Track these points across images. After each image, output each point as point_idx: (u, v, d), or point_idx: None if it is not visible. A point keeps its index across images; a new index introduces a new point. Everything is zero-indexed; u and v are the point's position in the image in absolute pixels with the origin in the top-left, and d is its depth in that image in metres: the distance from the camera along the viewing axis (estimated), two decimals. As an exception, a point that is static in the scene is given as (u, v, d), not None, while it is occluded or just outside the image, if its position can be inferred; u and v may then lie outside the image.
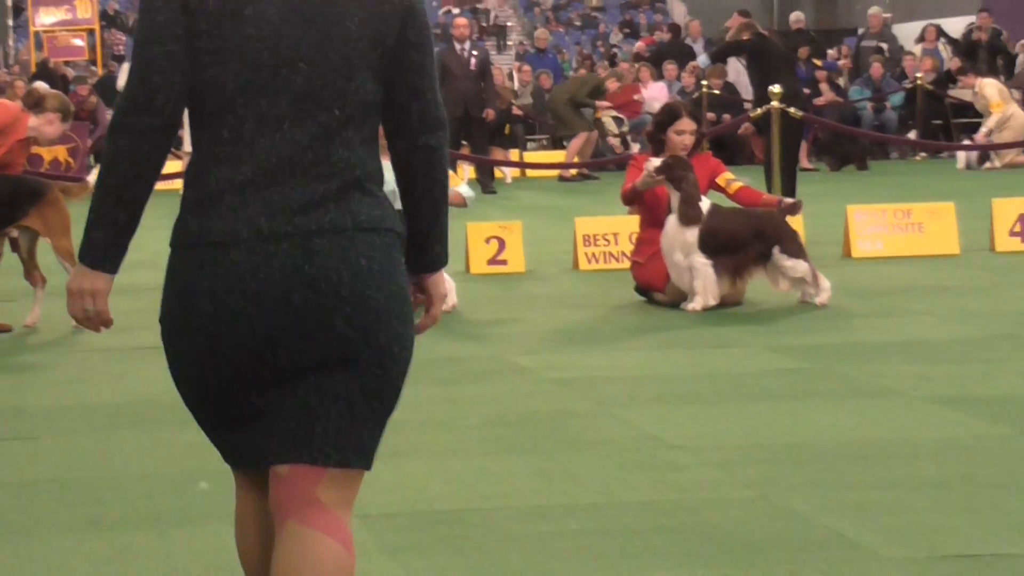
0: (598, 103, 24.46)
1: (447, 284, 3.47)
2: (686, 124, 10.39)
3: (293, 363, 3.24)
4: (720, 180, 10.44)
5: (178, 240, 3.28)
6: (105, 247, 3.28)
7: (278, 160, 3.25)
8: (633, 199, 10.35)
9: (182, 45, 3.24)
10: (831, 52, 28.67)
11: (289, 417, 3.26)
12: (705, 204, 10.00)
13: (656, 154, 10.43)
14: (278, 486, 3.29)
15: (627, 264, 11.70)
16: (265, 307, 3.21)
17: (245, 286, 3.21)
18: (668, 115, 10.56)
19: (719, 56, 17.04)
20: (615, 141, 24.79)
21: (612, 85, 24.83)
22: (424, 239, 3.45)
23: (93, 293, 3.31)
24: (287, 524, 3.28)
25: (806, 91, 21.57)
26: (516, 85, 27.71)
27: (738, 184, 10.45)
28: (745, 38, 15.06)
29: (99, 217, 3.27)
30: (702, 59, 17.08)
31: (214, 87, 3.25)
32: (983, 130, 23.59)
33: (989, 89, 23.75)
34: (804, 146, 23.53)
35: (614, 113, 25.37)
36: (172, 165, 23.53)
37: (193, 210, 3.27)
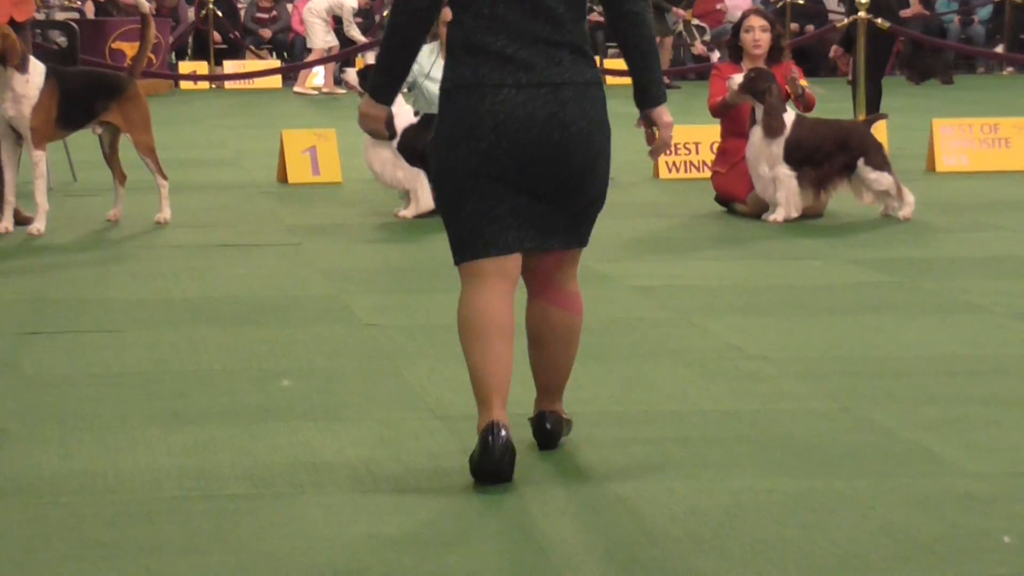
0: (676, 10, 24.16)
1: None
2: (753, 20, 10.28)
3: (543, 182, 4.59)
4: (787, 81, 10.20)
5: (456, 82, 4.58)
6: (384, 88, 4.71)
7: (523, 32, 4.54)
8: (724, 111, 10.25)
9: None
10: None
11: (537, 217, 4.63)
12: (790, 115, 9.89)
13: (734, 60, 10.31)
14: (530, 270, 4.75)
15: (708, 174, 11.61)
16: (532, 133, 4.54)
17: (518, 113, 4.53)
18: (740, 18, 10.49)
19: None
20: (703, 48, 24.49)
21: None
22: (641, 82, 4.75)
23: (375, 118, 4.76)
24: (537, 300, 4.81)
25: None
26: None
27: (804, 81, 10.23)
28: None
29: (382, 68, 4.70)
30: None
31: None
32: None
33: None
34: None
35: (696, 22, 25.13)
36: (253, 64, 23.55)
37: (465, 62, 4.57)
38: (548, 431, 4.92)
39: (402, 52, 4.65)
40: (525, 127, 4.53)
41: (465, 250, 4.65)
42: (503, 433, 4.52)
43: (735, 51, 10.36)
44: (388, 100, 4.73)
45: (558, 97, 4.55)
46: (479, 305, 4.62)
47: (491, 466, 4.54)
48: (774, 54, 10.27)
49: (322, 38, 22.44)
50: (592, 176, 4.64)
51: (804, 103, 10.08)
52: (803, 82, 10.25)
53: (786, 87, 10.05)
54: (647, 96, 4.77)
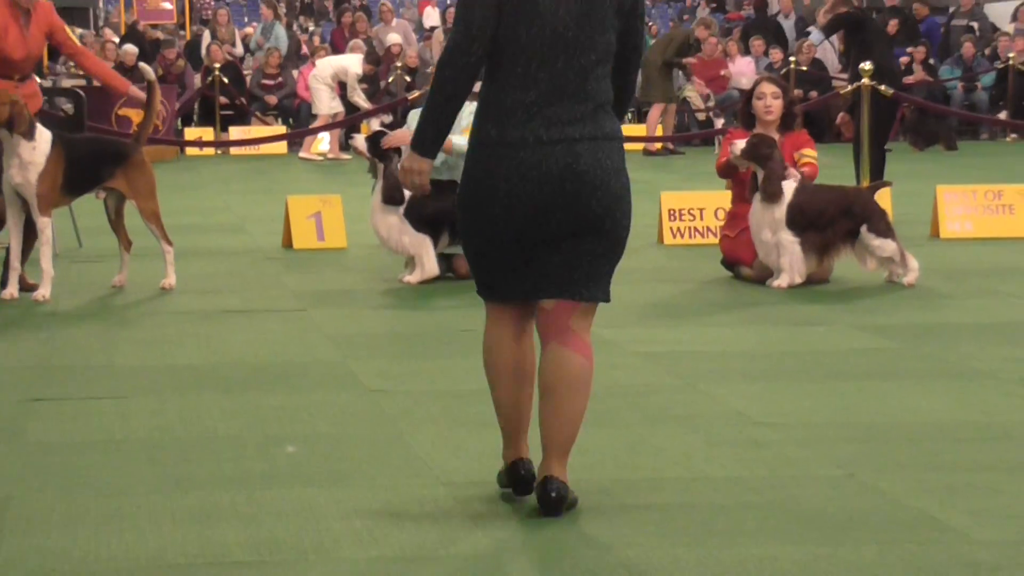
0: (686, 60, 24.22)
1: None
2: (765, 87, 10.34)
3: (560, 230, 4.84)
4: (796, 155, 10.29)
5: (480, 141, 4.87)
6: (431, 142, 4.92)
7: (552, 89, 4.83)
8: (729, 172, 10.29)
9: (492, 10, 4.81)
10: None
11: (556, 267, 4.87)
12: (792, 182, 9.91)
13: (747, 127, 10.36)
14: (545, 316, 4.94)
15: (712, 239, 11.65)
16: (545, 190, 4.81)
17: (531, 175, 4.81)
18: (752, 86, 10.55)
19: (830, 30, 16.78)
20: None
21: (702, 33, 24.33)
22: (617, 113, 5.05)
23: (420, 172, 4.98)
24: (550, 345, 4.92)
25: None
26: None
27: (806, 159, 10.30)
28: (846, 10, 14.84)
29: (429, 122, 4.91)
30: (815, 36, 16.70)
31: (513, 38, 4.83)
32: None
33: None
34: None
35: (704, 89, 25.23)
36: (258, 131, 23.60)
37: (492, 121, 4.85)
38: (553, 499, 4.93)
39: (448, 106, 4.88)
40: (538, 185, 4.81)
41: (485, 292, 5.04)
42: (529, 468, 5.07)
43: (747, 118, 10.39)
44: (433, 154, 4.97)
45: (572, 151, 4.82)
46: (501, 348, 5.01)
47: (522, 490, 5.10)
48: (787, 121, 10.32)
49: (327, 104, 22.51)
50: (610, 221, 4.88)
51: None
52: (809, 152, 10.29)
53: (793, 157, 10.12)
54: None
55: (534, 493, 5.00)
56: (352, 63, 22.95)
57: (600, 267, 4.93)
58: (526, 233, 4.86)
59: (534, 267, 4.90)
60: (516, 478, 5.09)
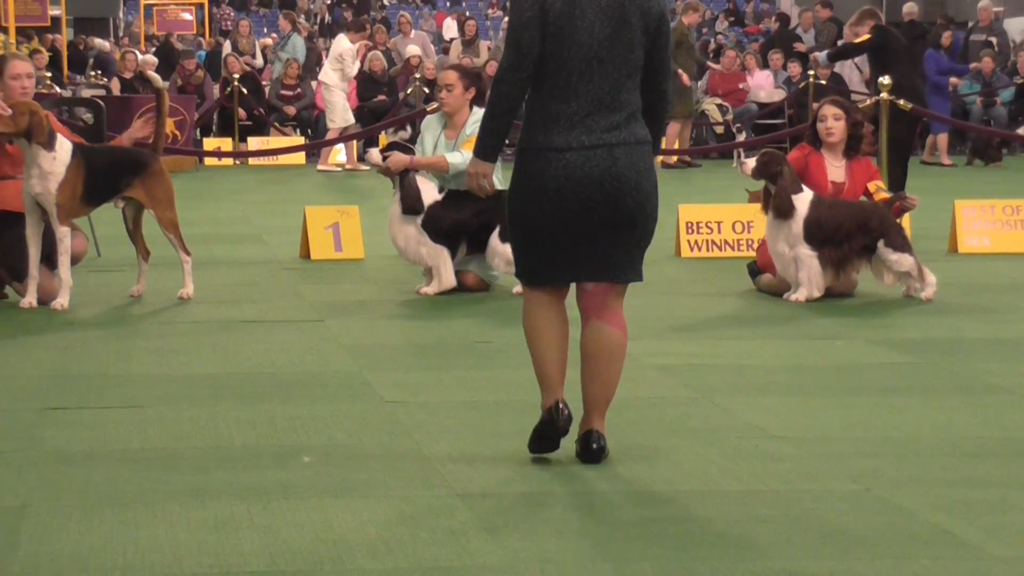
0: (711, 64, 24.33)
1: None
2: (826, 109, 10.35)
3: (599, 223, 5.57)
4: (870, 186, 10.31)
5: (530, 145, 5.61)
6: (491, 149, 5.71)
7: (591, 100, 5.57)
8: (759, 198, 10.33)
9: (539, 32, 5.55)
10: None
11: (597, 255, 5.62)
12: (807, 195, 9.90)
13: (815, 148, 10.32)
14: (587, 296, 5.70)
15: (729, 252, 11.66)
16: (588, 189, 5.55)
17: (576, 175, 5.55)
18: (817, 108, 10.53)
19: (838, 57, 16.78)
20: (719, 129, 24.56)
21: (692, 18, 24.07)
22: (654, 139, 5.74)
23: (484, 174, 5.75)
24: (592, 320, 5.69)
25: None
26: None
27: (883, 195, 10.32)
28: (865, 40, 14.81)
29: (489, 132, 5.69)
30: (821, 57, 16.76)
31: (556, 56, 5.58)
32: None
33: None
34: (945, 140, 23.34)
35: (718, 101, 25.21)
36: (277, 141, 23.58)
37: (540, 128, 5.59)
38: (594, 450, 5.71)
39: (505, 117, 5.65)
40: (582, 185, 5.55)
41: (531, 279, 5.72)
42: (565, 410, 5.64)
43: (814, 140, 10.36)
44: (494, 159, 5.74)
45: (612, 155, 5.56)
46: (539, 313, 5.69)
47: (554, 433, 5.64)
48: (853, 143, 10.29)
49: (341, 116, 22.46)
50: (642, 216, 5.63)
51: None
52: (882, 185, 10.32)
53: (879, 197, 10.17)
54: (655, 150, 5.78)
55: (577, 445, 5.73)
56: (339, 43, 22.84)
57: (633, 254, 5.67)
58: (571, 224, 5.57)
59: (577, 255, 5.61)
60: (551, 422, 5.64)
